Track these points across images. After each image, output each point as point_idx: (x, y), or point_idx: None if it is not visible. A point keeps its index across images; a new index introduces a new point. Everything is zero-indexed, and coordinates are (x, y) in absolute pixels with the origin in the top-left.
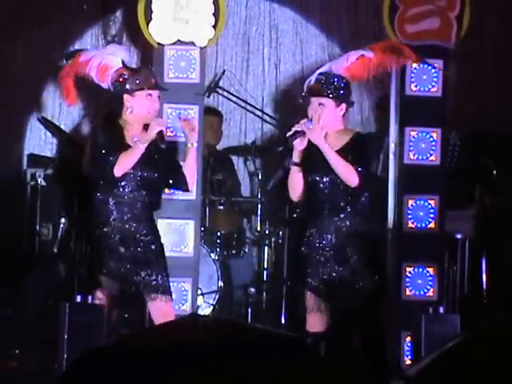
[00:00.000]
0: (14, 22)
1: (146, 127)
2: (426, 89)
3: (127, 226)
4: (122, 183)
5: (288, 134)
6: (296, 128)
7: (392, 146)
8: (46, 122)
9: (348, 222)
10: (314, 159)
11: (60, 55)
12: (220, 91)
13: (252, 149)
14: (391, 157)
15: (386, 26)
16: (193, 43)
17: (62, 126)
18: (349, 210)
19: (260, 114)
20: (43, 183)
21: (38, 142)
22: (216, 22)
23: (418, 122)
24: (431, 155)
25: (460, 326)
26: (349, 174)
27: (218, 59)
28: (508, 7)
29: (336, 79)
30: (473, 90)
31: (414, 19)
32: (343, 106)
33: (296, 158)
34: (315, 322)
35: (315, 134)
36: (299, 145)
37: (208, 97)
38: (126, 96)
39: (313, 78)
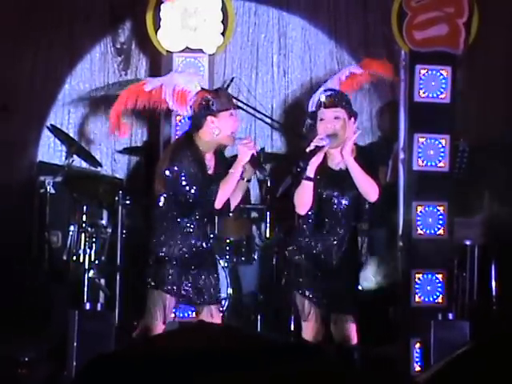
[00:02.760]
0: (23, 31)
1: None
2: (435, 95)
3: (198, 244)
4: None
5: (308, 150)
6: (315, 143)
7: (401, 153)
8: (55, 129)
9: (349, 238)
10: (327, 175)
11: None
12: None
13: (261, 156)
14: (400, 163)
15: (395, 33)
16: (201, 50)
17: (71, 134)
18: (353, 226)
19: (269, 121)
20: (52, 191)
21: (48, 149)
22: (224, 29)
23: (426, 128)
24: (440, 162)
25: (469, 333)
26: (372, 189)
27: (226, 66)
28: None
29: (343, 93)
30: (482, 97)
31: (423, 26)
32: (353, 119)
33: (311, 173)
34: (312, 330)
35: (346, 149)
36: (316, 160)
37: None
38: (210, 118)
39: (321, 95)
